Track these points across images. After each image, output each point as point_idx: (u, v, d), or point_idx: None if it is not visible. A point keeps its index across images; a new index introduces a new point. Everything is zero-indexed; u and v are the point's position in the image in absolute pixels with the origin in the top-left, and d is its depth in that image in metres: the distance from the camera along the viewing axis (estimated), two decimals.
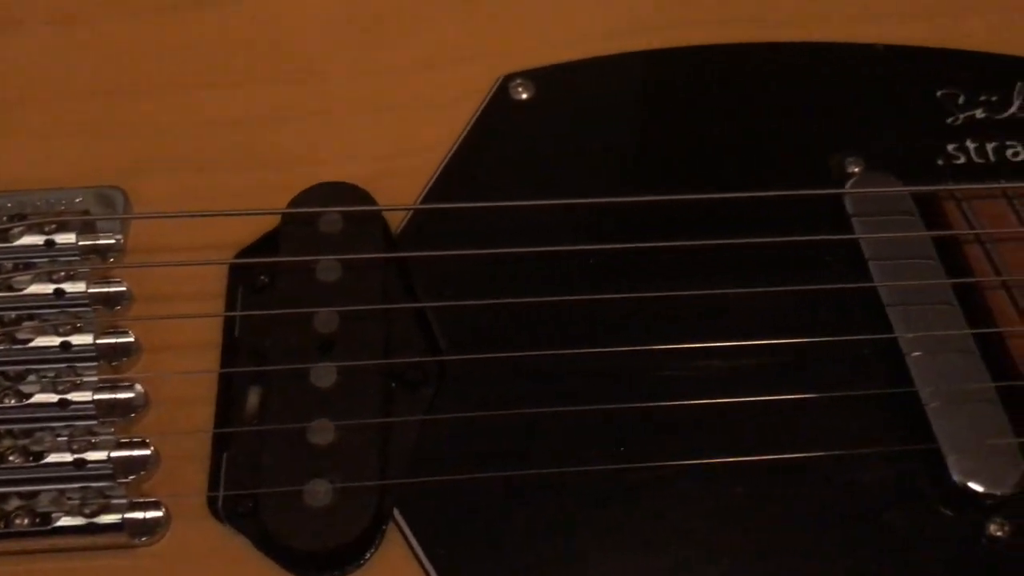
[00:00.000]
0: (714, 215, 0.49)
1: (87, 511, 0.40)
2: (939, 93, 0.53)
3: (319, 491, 0.41)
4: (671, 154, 0.52)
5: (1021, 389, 0.44)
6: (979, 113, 0.53)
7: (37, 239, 0.46)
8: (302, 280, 0.45)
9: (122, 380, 0.44)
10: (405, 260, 0.47)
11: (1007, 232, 0.47)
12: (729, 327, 0.46)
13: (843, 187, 0.49)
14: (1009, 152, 0.52)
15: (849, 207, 0.48)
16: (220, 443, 0.44)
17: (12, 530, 0.41)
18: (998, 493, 0.42)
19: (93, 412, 0.43)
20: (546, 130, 0.52)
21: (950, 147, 0.52)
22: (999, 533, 0.42)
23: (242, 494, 0.42)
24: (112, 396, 0.43)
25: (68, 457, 0.41)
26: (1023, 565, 0.42)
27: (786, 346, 0.45)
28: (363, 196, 0.48)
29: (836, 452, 0.43)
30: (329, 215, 0.47)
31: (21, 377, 0.43)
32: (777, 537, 0.42)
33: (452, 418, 0.44)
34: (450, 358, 0.45)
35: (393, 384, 0.45)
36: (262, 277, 0.47)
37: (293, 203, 0.47)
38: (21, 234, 0.46)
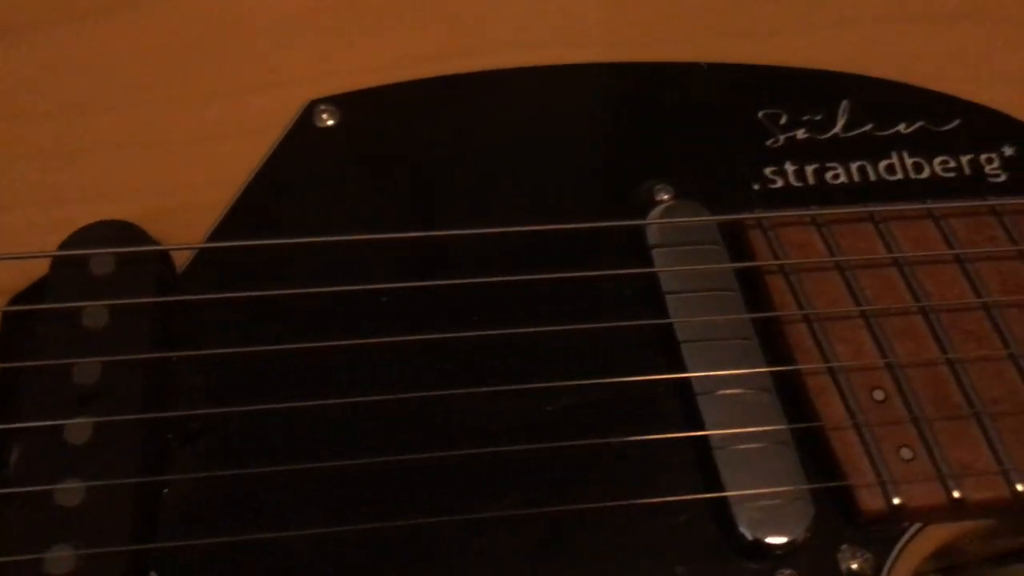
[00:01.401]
0: (517, 248, 0.47)
1: None
2: (761, 113, 0.51)
3: (61, 557, 0.38)
4: (477, 182, 0.49)
5: (816, 430, 0.42)
6: (801, 134, 0.50)
7: None
8: (66, 327, 0.43)
9: None
10: (185, 303, 0.45)
11: (811, 262, 0.45)
12: (524, 368, 0.44)
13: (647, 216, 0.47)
14: (829, 175, 0.49)
15: (650, 238, 0.46)
16: None
17: None
18: (784, 542, 0.40)
19: None
20: (351, 158, 0.50)
21: (768, 171, 0.49)
22: None
23: None
24: None
25: None
26: None
27: (576, 387, 0.43)
28: (139, 235, 0.45)
29: (618, 503, 0.41)
30: (101, 257, 0.45)
31: None
32: None
33: (214, 476, 0.41)
34: (212, 411, 0.42)
35: (170, 436, 0.43)
36: None
37: (65, 244, 0.45)
38: None
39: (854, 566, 0.40)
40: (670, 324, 0.44)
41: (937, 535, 0.42)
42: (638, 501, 0.41)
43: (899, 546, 0.41)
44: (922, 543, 0.41)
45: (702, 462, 0.42)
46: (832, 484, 0.41)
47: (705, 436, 0.42)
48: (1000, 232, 0.46)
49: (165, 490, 0.42)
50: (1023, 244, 0.46)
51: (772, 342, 0.44)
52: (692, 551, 0.41)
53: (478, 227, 0.47)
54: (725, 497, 0.41)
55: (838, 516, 0.41)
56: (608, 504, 0.41)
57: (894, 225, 0.46)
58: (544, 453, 0.42)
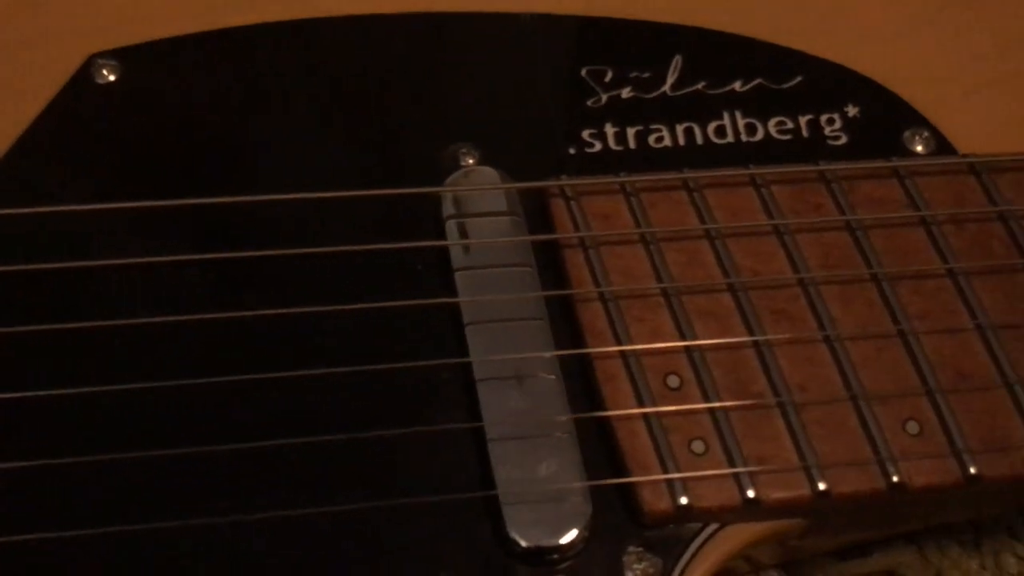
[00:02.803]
0: (308, 217, 0.42)
1: None
2: (584, 70, 0.46)
3: None
4: (267, 145, 0.45)
5: (601, 422, 0.38)
6: (626, 92, 0.46)
7: None
8: None
9: None
10: None
11: (612, 235, 0.41)
12: (296, 353, 0.39)
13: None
14: (652, 137, 0.45)
15: (444, 208, 0.42)
16: None
17: None
18: (556, 546, 0.36)
19: None
20: (133, 117, 0.45)
21: (586, 133, 0.45)
22: None
23: None
24: None
25: None
26: None
27: (346, 375, 0.39)
28: None
29: (375, 503, 0.36)
30: None
31: None
32: None
33: None
34: None
35: None
36: None
37: None
38: None
39: (638, 571, 0.37)
40: (457, 304, 0.40)
41: (739, 536, 0.38)
42: (390, 502, 0.36)
43: (691, 550, 0.37)
44: (720, 545, 0.37)
45: (480, 456, 0.38)
46: (611, 482, 0.37)
47: (481, 428, 0.38)
48: (828, 200, 0.42)
49: None
50: (852, 214, 0.42)
51: (566, 323, 0.40)
52: (461, 555, 0.37)
53: (267, 193, 0.43)
54: (496, 496, 0.37)
55: (624, 516, 0.37)
56: (368, 505, 0.37)
57: (710, 193, 0.42)
58: (305, 448, 0.38)
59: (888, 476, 0.37)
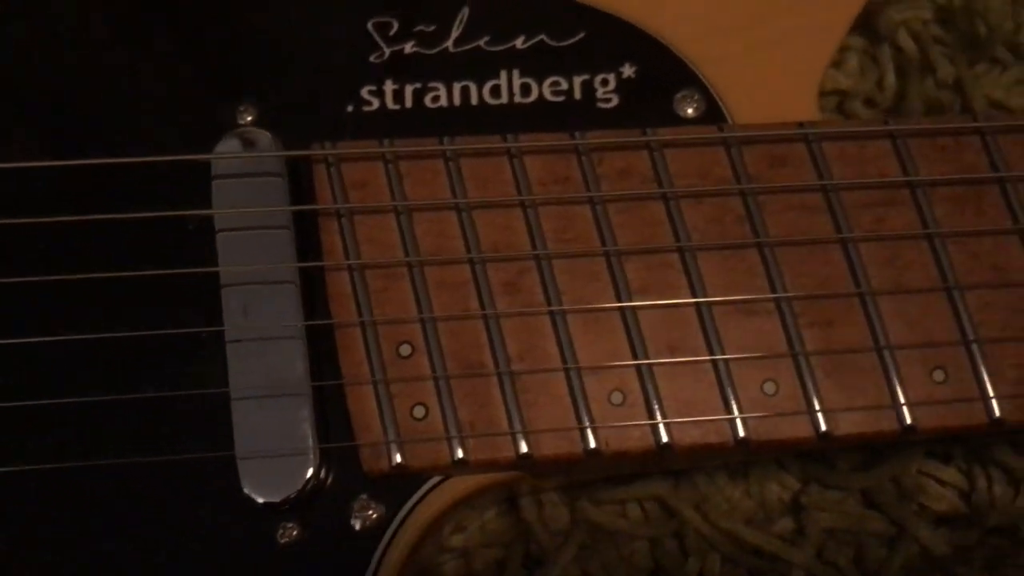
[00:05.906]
0: (85, 179, 0.44)
1: None
2: (371, 23, 0.48)
3: None
4: (27, 105, 0.45)
5: (337, 387, 0.42)
6: (409, 47, 0.48)
7: None
8: None
9: None
10: None
11: (364, 206, 0.44)
12: (60, 316, 0.43)
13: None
14: (429, 97, 0.47)
15: (213, 169, 0.44)
16: None
17: None
18: (281, 500, 0.41)
19: None
20: None
21: (365, 91, 0.47)
22: (285, 539, 0.41)
23: None
24: None
25: None
26: (314, 567, 0.41)
27: (110, 338, 0.42)
28: None
29: (136, 459, 0.41)
30: None
31: None
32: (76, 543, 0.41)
33: None
34: None
35: None
36: None
37: None
38: None
39: (363, 518, 0.42)
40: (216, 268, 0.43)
41: (461, 486, 0.43)
42: (142, 459, 0.41)
43: (415, 498, 0.42)
44: (445, 494, 0.42)
45: (221, 418, 0.42)
46: (335, 445, 0.42)
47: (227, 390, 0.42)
48: (576, 172, 0.45)
49: None
50: (596, 187, 0.44)
51: (318, 290, 0.43)
52: (207, 508, 0.42)
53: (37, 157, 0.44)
54: (232, 454, 0.41)
55: (355, 471, 0.42)
56: (123, 461, 0.41)
57: (466, 163, 0.44)
58: (66, 408, 0.42)
59: (586, 442, 0.42)
